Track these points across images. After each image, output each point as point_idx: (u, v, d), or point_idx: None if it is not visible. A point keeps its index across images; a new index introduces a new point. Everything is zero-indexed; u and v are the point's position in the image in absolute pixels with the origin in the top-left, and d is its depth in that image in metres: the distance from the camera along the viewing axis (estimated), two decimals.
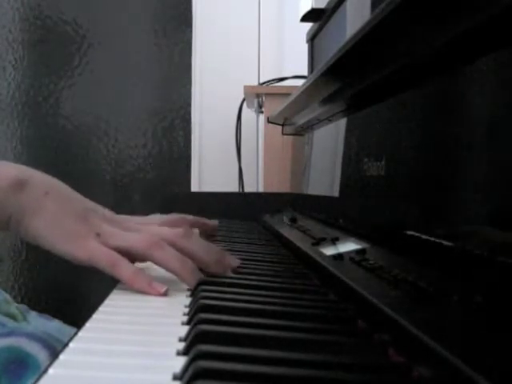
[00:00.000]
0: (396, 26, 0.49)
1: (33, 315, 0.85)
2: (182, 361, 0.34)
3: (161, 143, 2.45)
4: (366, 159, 0.65)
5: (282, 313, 0.46)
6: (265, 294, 0.52)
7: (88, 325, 0.43)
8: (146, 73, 2.45)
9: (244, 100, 2.06)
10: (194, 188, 2.38)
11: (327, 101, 0.81)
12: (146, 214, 0.83)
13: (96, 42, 2.43)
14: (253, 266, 0.66)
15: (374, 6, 0.75)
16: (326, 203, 0.87)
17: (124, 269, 0.54)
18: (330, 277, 0.55)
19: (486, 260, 0.39)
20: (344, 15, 1.00)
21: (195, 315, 0.43)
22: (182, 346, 0.38)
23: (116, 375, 0.33)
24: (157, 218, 0.76)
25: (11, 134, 2.42)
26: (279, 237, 0.91)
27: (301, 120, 1.04)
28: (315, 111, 0.90)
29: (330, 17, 1.15)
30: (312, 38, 1.34)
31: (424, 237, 0.49)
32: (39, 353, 0.67)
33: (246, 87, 1.86)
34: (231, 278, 0.60)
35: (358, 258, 0.56)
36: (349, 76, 0.68)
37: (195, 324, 0.41)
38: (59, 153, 2.40)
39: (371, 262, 0.53)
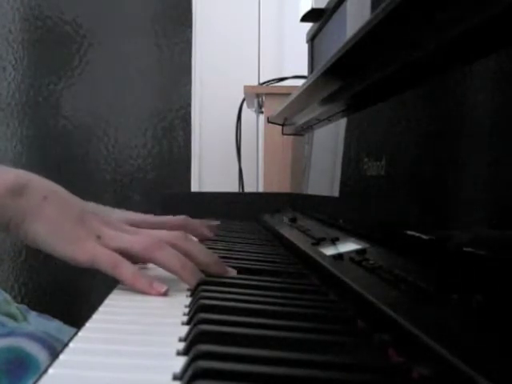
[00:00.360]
0: (396, 25, 0.49)
1: (33, 315, 0.85)
2: (182, 361, 0.34)
3: (161, 143, 2.45)
4: (366, 159, 0.65)
5: (282, 313, 0.46)
6: (265, 294, 0.52)
7: (88, 325, 0.43)
8: (146, 73, 2.45)
9: (244, 100, 2.06)
10: (194, 188, 2.38)
11: (327, 101, 0.81)
12: (146, 214, 0.83)
13: (96, 42, 2.43)
14: (253, 266, 0.66)
15: (373, 6, 0.75)
16: (325, 203, 0.87)
17: (125, 270, 0.55)
18: (329, 277, 0.55)
19: (486, 260, 0.39)
20: (344, 15, 1.00)
21: (195, 315, 0.43)
22: (182, 345, 0.38)
23: (116, 375, 0.33)
24: (164, 219, 0.77)
25: (11, 134, 2.42)
26: (279, 237, 0.91)
27: (301, 120, 1.04)
28: (315, 111, 0.90)
29: (330, 17, 1.15)
30: (312, 38, 1.34)
31: (424, 237, 0.49)
32: (39, 353, 0.67)
33: (246, 87, 1.86)
34: (231, 278, 0.60)
35: (357, 258, 0.56)
36: (349, 76, 0.68)
37: (195, 324, 0.41)
38: (59, 153, 2.40)
39: (371, 262, 0.53)
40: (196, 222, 0.87)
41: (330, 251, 0.64)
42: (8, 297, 0.83)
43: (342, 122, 0.80)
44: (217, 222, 0.90)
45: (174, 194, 1.40)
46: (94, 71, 2.43)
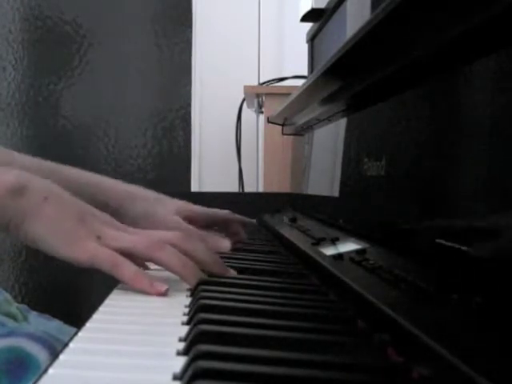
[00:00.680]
0: (396, 25, 0.49)
1: (33, 315, 0.85)
2: (182, 361, 0.34)
3: (161, 143, 2.45)
4: (366, 159, 0.65)
5: (282, 313, 0.46)
6: (265, 294, 0.52)
7: (88, 325, 0.43)
8: (146, 73, 2.45)
9: (244, 100, 2.06)
10: (194, 188, 2.38)
11: (327, 101, 0.81)
12: None
13: (96, 42, 2.43)
14: (253, 266, 0.66)
15: (374, 6, 0.75)
16: (325, 203, 0.87)
17: (125, 269, 0.54)
18: (329, 277, 0.55)
19: (486, 260, 0.39)
20: (344, 15, 1.00)
21: (195, 315, 0.43)
22: (182, 345, 0.38)
23: (116, 375, 0.33)
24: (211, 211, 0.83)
25: (11, 134, 2.42)
26: (279, 237, 0.91)
27: (301, 120, 1.04)
28: (315, 111, 0.90)
29: (330, 17, 1.15)
30: (312, 38, 1.34)
31: (424, 237, 0.49)
32: (39, 353, 0.67)
33: (246, 87, 1.86)
34: (231, 278, 0.60)
35: (357, 258, 0.56)
36: (349, 76, 0.68)
37: (195, 324, 0.41)
38: (59, 153, 2.40)
39: (371, 262, 0.53)
40: (238, 218, 0.90)
41: (329, 251, 0.64)
42: (8, 296, 0.83)
43: (342, 122, 0.80)
44: (253, 221, 0.93)
45: (173, 193, 1.40)
46: (94, 71, 2.43)
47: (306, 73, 1.47)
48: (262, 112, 1.91)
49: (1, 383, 0.65)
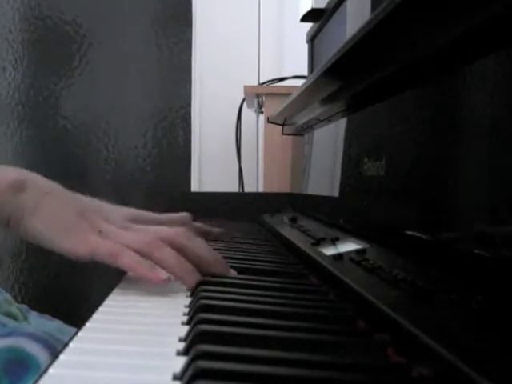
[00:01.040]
0: (396, 25, 0.49)
1: (33, 315, 0.85)
2: (182, 361, 0.34)
3: (161, 143, 2.45)
4: (366, 159, 0.65)
5: (282, 313, 0.46)
6: (265, 294, 0.52)
7: (88, 325, 0.43)
8: (146, 73, 2.44)
9: (244, 100, 2.06)
10: (194, 188, 2.38)
11: (327, 101, 0.81)
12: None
13: (96, 42, 2.43)
14: (253, 266, 0.66)
15: (374, 6, 0.75)
16: (325, 203, 0.87)
17: (126, 257, 0.54)
18: (330, 277, 0.55)
19: (486, 260, 0.39)
20: (344, 15, 1.01)
21: (195, 315, 0.43)
22: (182, 345, 0.38)
23: (116, 375, 0.33)
24: (165, 218, 0.77)
25: (11, 134, 2.42)
26: (279, 237, 0.91)
27: (301, 120, 1.04)
28: (315, 111, 0.90)
29: (330, 17, 1.15)
30: (312, 38, 1.34)
31: (424, 237, 0.49)
32: (40, 353, 0.67)
33: (246, 87, 1.86)
34: (231, 278, 0.60)
35: (357, 258, 0.56)
36: (349, 76, 0.68)
37: (195, 324, 0.41)
38: (59, 153, 2.40)
39: (371, 262, 0.53)
40: (197, 225, 0.86)
41: (329, 251, 0.64)
42: (9, 296, 0.83)
43: (342, 122, 0.80)
44: (219, 230, 0.89)
45: (174, 193, 1.40)
46: (94, 71, 2.43)
47: (306, 73, 1.47)
48: (262, 112, 1.91)
49: (1, 383, 0.65)
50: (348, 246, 0.63)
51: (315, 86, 0.79)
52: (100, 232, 0.56)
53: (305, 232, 0.82)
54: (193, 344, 0.36)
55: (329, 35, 1.19)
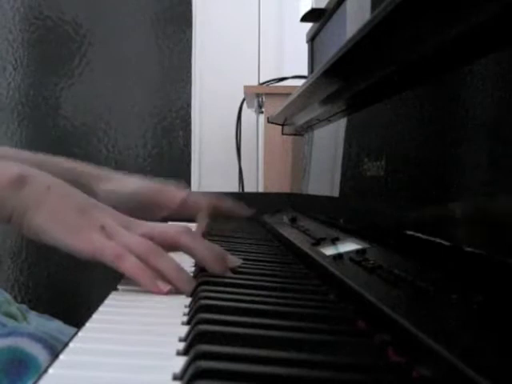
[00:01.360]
0: (396, 26, 0.49)
1: (33, 315, 0.85)
2: (182, 361, 0.34)
3: (161, 143, 2.45)
4: (366, 159, 0.65)
5: (282, 313, 0.46)
6: (265, 294, 0.52)
7: (88, 325, 0.43)
8: (146, 73, 2.45)
9: (244, 100, 2.06)
10: (194, 188, 2.38)
11: (327, 101, 0.81)
12: None
13: (96, 42, 2.43)
14: (253, 266, 0.66)
15: (373, 6, 0.75)
16: (325, 203, 0.87)
17: (128, 262, 0.53)
18: (330, 277, 0.55)
19: (486, 260, 0.39)
20: (344, 15, 1.01)
21: (195, 315, 0.43)
22: (182, 345, 0.38)
23: (116, 375, 0.33)
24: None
25: (11, 134, 2.42)
26: (279, 237, 0.91)
27: (301, 120, 1.04)
28: (315, 111, 0.90)
29: (330, 17, 1.15)
30: (312, 38, 1.34)
31: (424, 237, 0.49)
32: (39, 353, 0.67)
33: (246, 87, 1.86)
34: (231, 278, 0.60)
35: (357, 258, 0.56)
36: (349, 76, 0.68)
37: (195, 324, 0.41)
38: (59, 153, 2.39)
39: (371, 262, 0.53)
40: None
41: (329, 251, 0.64)
42: (8, 297, 0.83)
43: (342, 122, 0.80)
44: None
45: None
46: (94, 71, 2.43)
47: (306, 73, 1.47)
48: (262, 112, 1.91)
49: (1, 383, 0.65)
50: (348, 246, 0.63)
51: (315, 86, 0.79)
52: (103, 228, 0.56)
53: (305, 232, 0.82)
54: (193, 344, 0.36)
55: (329, 35, 1.19)
